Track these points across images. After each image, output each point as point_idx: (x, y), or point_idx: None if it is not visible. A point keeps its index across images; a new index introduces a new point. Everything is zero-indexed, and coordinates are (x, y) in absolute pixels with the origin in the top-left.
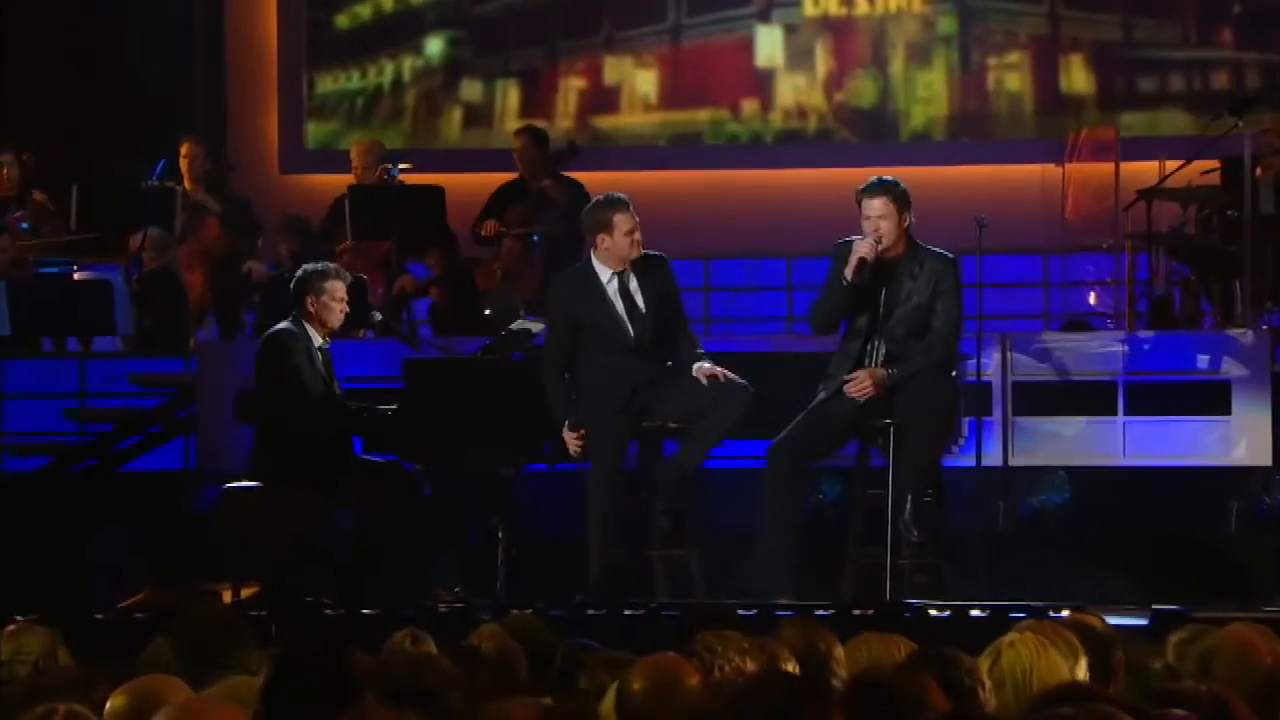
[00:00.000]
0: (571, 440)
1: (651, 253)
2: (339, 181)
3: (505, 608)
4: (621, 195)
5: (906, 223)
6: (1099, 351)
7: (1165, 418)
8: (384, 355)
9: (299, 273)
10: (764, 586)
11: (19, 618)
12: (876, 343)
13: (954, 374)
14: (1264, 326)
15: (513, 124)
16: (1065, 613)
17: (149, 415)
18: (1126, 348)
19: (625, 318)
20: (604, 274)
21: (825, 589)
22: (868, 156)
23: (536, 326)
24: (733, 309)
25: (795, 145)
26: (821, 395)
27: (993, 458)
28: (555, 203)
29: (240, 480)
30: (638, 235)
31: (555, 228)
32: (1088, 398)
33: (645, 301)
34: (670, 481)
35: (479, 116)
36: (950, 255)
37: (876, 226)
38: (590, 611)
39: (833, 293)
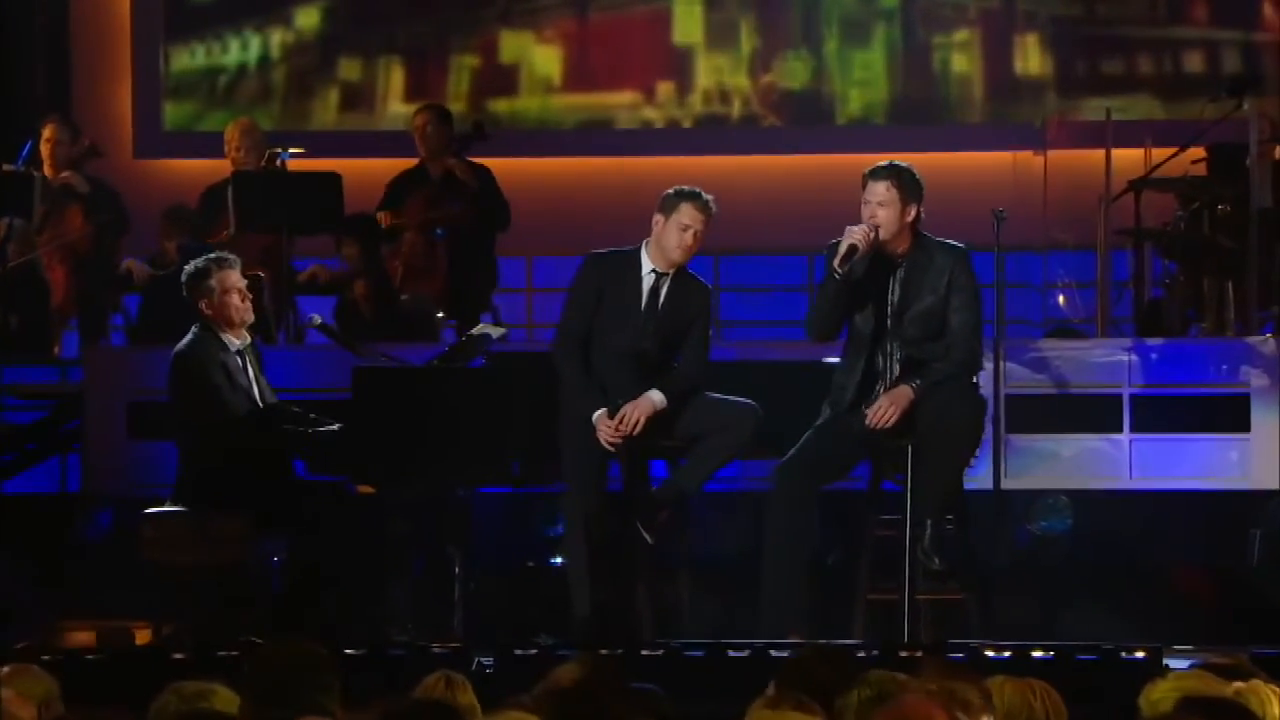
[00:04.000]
0: (607, 429)
1: (700, 280)
2: (200, 166)
3: (507, 649)
4: (702, 192)
5: (911, 215)
6: (1102, 361)
7: (1176, 435)
8: (315, 364)
9: (183, 278)
10: (771, 624)
11: None
12: (890, 349)
13: (975, 382)
14: (1267, 333)
15: (396, 106)
16: (1140, 654)
17: (26, 431)
18: (1133, 357)
19: (641, 318)
20: (645, 266)
21: (833, 628)
22: (799, 143)
23: (496, 331)
24: None
25: (717, 131)
26: (828, 413)
27: (983, 479)
28: (463, 186)
29: (159, 504)
30: (691, 240)
31: (462, 213)
32: (1090, 413)
33: (664, 316)
34: (666, 505)
35: (358, 98)
36: (962, 246)
37: (873, 213)
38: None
39: (825, 292)
